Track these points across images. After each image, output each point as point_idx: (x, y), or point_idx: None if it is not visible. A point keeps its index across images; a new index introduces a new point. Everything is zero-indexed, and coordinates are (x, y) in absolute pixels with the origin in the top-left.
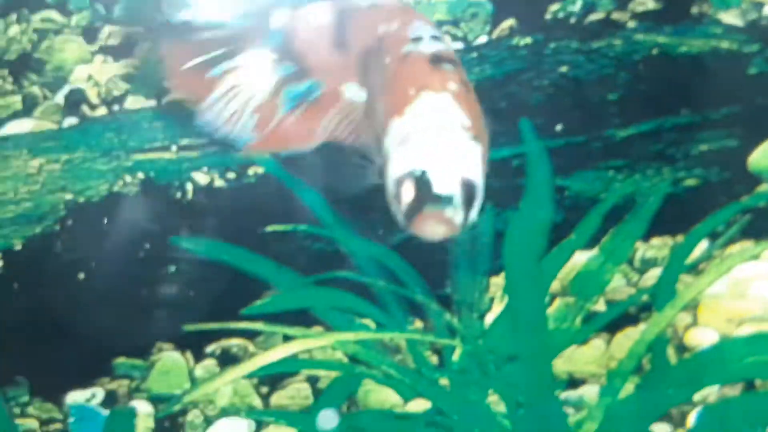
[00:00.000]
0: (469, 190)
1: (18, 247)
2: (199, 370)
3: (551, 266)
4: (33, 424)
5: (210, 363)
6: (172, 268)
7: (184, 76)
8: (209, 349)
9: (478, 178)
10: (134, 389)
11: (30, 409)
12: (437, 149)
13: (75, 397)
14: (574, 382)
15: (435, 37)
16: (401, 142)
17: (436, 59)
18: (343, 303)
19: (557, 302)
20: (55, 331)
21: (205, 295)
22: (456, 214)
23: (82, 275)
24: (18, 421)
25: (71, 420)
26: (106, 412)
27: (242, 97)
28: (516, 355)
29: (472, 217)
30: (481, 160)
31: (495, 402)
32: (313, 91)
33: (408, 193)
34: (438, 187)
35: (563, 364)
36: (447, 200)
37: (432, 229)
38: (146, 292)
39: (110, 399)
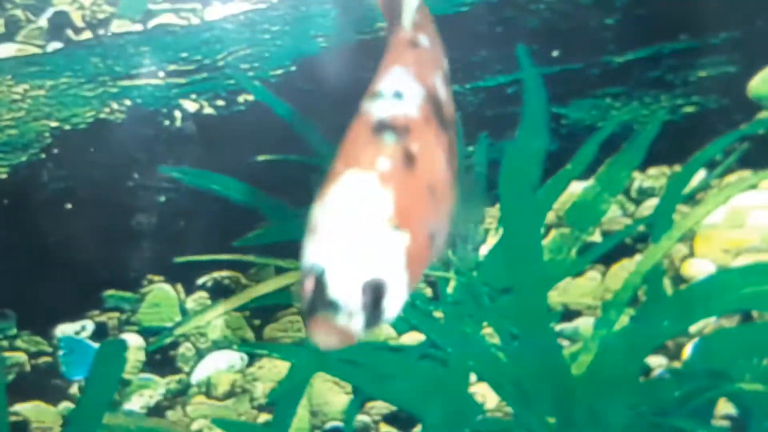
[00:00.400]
0: (374, 294)
1: (3, 176)
2: (191, 303)
3: (547, 196)
4: (21, 357)
5: (201, 295)
6: (162, 198)
7: None
8: (200, 281)
9: (392, 277)
10: (124, 322)
11: (18, 342)
12: (341, 246)
13: (64, 329)
14: (569, 314)
15: (398, 95)
16: (311, 230)
17: (380, 127)
18: None
19: (552, 233)
20: (43, 263)
21: (196, 226)
22: (352, 322)
23: (69, 205)
24: (6, 354)
25: (61, 353)
26: (96, 345)
27: None
28: (511, 287)
29: (385, 319)
30: (408, 252)
31: (489, 334)
32: None
33: (306, 291)
34: (333, 291)
35: (558, 295)
36: (341, 307)
37: (321, 337)
38: (135, 222)
39: (100, 332)
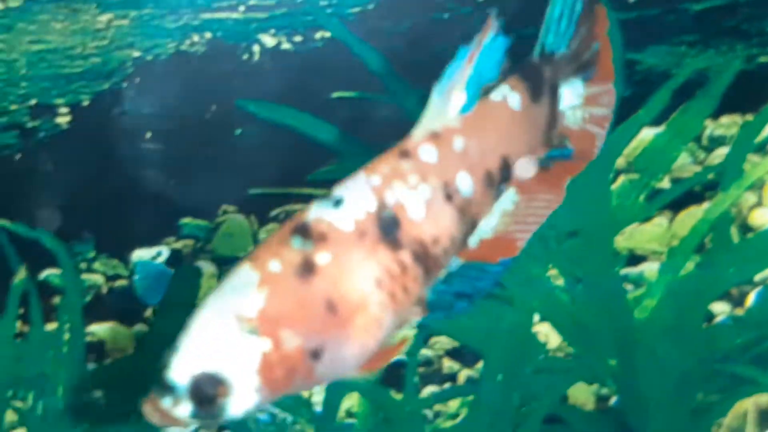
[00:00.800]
0: (205, 387)
1: (86, 102)
2: (263, 234)
3: (618, 142)
4: (98, 279)
5: (273, 227)
6: (238, 131)
7: None
8: (273, 213)
9: (235, 378)
10: (199, 249)
11: (96, 265)
12: (192, 334)
13: (141, 254)
14: (634, 259)
15: (338, 202)
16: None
17: (297, 230)
18: None
19: (622, 179)
20: (122, 189)
21: (271, 159)
22: (177, 408)
23: (149, 134)
24: (84, 276)
25: (136, 276)
26: (171, 271)
27: None
28: (578, 231)
29: (227, 416)
30: (265, 358)
31: (554, 276)
32: None
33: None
34: (167, 374)
35: (624, 240)
36: (169, 390)
37: (146, 411)
38: (212, 153)
39: (175, 258)
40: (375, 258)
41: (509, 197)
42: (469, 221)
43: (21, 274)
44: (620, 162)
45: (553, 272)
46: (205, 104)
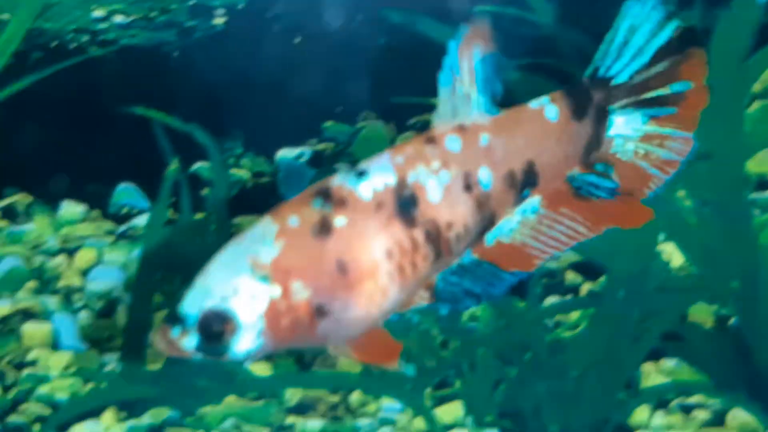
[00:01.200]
0: (212, 322)
1: (241, 5)
2: (400, 141)
3: (755, 67)
4: (245, 174)
5: (410, 135)
6: (382, 40)
7: None
8: (411, 121)
9: (242, 317)
10: (339, 152)
11: (243, 161)
12: (209, 272)
13: (285, 153)
14: (763, 184)
15: (362, 174)
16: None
17: (319, 192)
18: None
19: (756, 104)
20: (271, 90)
21: (412, 69)
22: (184, 339)
23: (298, 39)
24: (231, 170)
25: (279, 174)
26: (312, 170)
27: None
28: (709, 153)
29: (232, 354)
30: (273, 305)
31: (682, 197)
32: None
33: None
34: (180, 306)
35: (755, 165)
36: (178, 320)
37: (155, 340)
38: (358, 61)
39: (317, 159)
40: (389, 230)
41: (533, 204)
42: (487, 215)
43: (173, 165)
44: (757, 87)
45: (681, 193)
46: (353, 12)
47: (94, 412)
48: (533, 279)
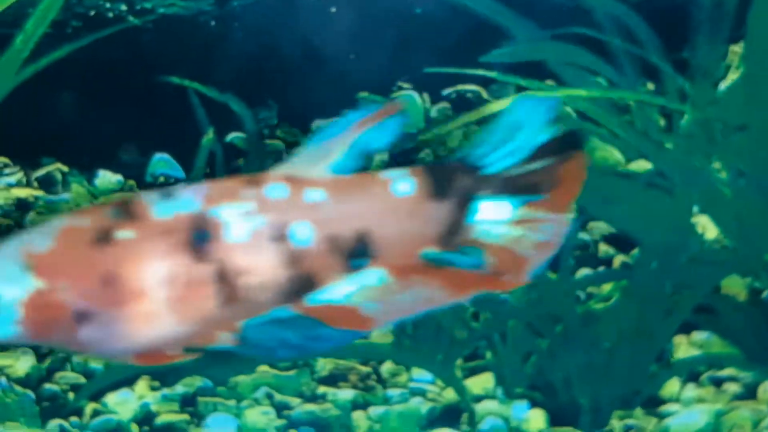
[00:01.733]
0: None
1: None
2: (434, 112)
3: None
4: (280, 145)
5: (445, 105)
6: (418, 10)
7: None
8: (446, 92)
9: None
10: None
11: (278, 132)
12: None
13: (320, 124)
14: None
15: (167, 196)
16: None
17: (120, 203)
18: (578, 59)
19: None
20: (306, 60)
21: (447, 39)
22: None
23: (334, 9)
24: (266, 141)
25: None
26: None
27: None
28: (746, 125)
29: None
30: (31, 297)
31: (717, 169)
32: None
33: None
34: None
35: None
36: None
37: None
38: (394, 31)
39: None
40: (173, 258)
41: (375, 275)
42: (302, 273)
43: (209, 135)
44: None
45: (716, 165)
46: None
47: (128, 381)
48: (565, 251)
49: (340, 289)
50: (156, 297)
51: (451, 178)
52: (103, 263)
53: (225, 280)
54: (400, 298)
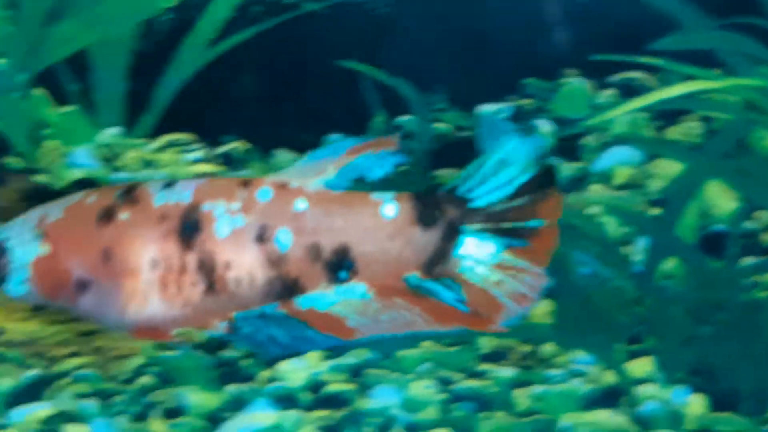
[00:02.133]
0: None
1: None
2: (601, 98)
3: None
4: (447, 128)
5: (611, 92)
6: None
7: None
8: (612, 78)
9: (12, 254)
10: (539, 109)
11: (445, 116)
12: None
13: (485, 108)
14: None
15: (168, 185)
16: None
17: (127, 188)
18: (747, 48)
19: None
20: (475, 45)
21: (612, 26)
22: None
23: None
24: (434, 124)
25: (479, 129)
26: (511, 125)
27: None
28: None
29: (8, 285)
30: (39, 258)
31: None
32: None
33: None
34: None
35: None
36: None
37: None
38: (559, 18)
39: (517, 115)
40: (163, 243)
41: (356, 290)
42: (283, 275)
43: (379, 117)
44: None
45: None
46: None
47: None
48: (731, 238)
49: (324, 297)
50: (146, 277)
51: (439, 206)
52: (103, 239)
53: (208, 270)
54: (382, 315)
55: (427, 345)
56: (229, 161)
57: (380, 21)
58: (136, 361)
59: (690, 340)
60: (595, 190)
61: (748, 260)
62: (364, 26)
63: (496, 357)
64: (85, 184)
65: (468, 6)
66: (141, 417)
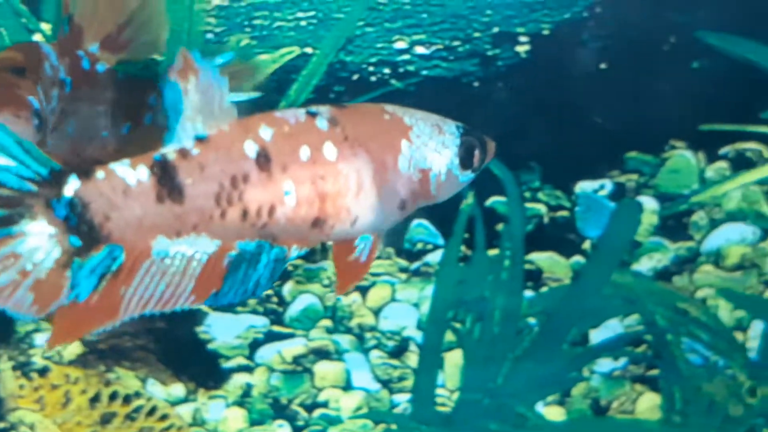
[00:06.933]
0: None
1: (546, 32)
2: (710, 172)
3: None
4: (542, 209)
5: (722, 165)
6: (695, 64)
7: None
8: (723, 150)
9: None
10: (642, 184)
11: (540, 195)
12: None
13: (584, 186)
14: None
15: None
16: None
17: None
18: None
19: None
20: (572, 120)
21: (725, 94)
22: None
23: (604, 65)
24: (527, 205)
25: (578, 208)
26: (613, 204)
27: (18, 270)
28: None
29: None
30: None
31: None
32: (112, 258)
33: None
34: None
35: None
36: None
37: None
38: (666, 87)
39: (618, 192)
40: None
41: None
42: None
43: (469, 200)
44: None
45: None
46: (664, 35)
47: None
48: None
49: None
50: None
51: None
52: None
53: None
54: None
55: None
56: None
57: (472, 97)
58: None
59: None
60: (706, 271)
61: None
62: (454, 102)
63: None
64: None
65: (567, 78)
66: None
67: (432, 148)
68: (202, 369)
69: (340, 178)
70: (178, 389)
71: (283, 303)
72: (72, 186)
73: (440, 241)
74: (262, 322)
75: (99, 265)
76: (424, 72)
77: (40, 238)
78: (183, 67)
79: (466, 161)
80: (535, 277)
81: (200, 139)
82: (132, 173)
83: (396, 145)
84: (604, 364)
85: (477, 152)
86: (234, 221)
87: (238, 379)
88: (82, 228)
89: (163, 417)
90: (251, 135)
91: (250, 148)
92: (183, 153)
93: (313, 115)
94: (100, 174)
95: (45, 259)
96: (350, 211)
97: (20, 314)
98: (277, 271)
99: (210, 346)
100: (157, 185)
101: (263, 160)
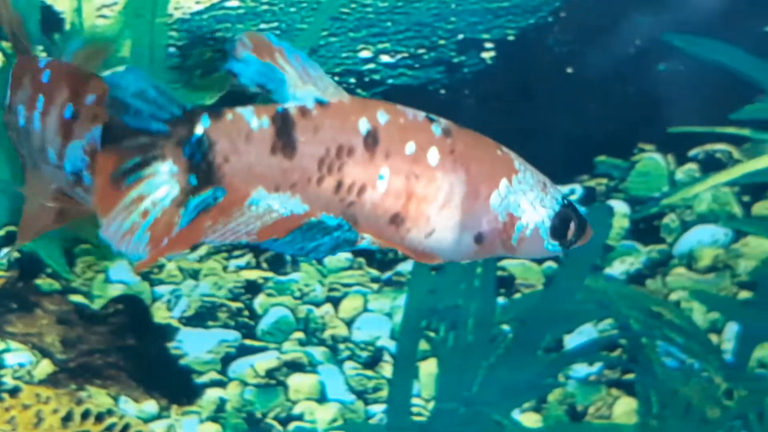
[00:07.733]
0: None
1: (511, 38)
2: (680, 174)
3: None
4: None
5: (692, 167)
6: (662, 67)
7: (106, 189)
8: (692, 152)
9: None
10: (612, 188)
11: None
12: None
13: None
14: None
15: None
16: None
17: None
18: None
19: None
20: (539, 125)
21: (692, 96)
22: None
23: (570, 69)
24: None
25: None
26: (583, 209)
27: (140, 212)
28: None
29: None
30: None
31: None
32: (214, 198)
33: None
34: None
35: None
36: None
37: None
38: (633, 90)
39: (588, 196)
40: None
41: None
42: None
43: None
44: None
45: None
46: (629, 38)
47: None
48: None
49: None
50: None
51: None
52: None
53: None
54: None
55: None
56: (277, 265)
57: (439, 105)
58: None
59: None
60: (679, 273)
61: None
62: (420, 108)
63: None
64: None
65: (535, 83)
66: None
67: (529, 199)
68: (175, 385)
69: (432, 184)
70: (150, 406)
71: (254, 316)
72: (203, 125)
73: None
74: (233, 336)
75: (201, 203)
76: (390, 80)
77: (164, 177)
78: (258, 47)
79: (558, 230)
80: (507, 283)
81: (320, 103)
82: (256, 120)
83: (496, 179)
84: (580, 370)
85: (572, 227)
86: (327, 191)
87: (211, 394)
88: (202, 167)
89: None
90: (368, 114)
91: (363, 125)
92: (303, 111)
93: (431, 120)
94: (229, 116)
95: (164, 198)
96: (430, 221)
97: (135, 255)
98: (341, 247)
99: (181, 361)
100: (274, 136)
101: (371, 140)
